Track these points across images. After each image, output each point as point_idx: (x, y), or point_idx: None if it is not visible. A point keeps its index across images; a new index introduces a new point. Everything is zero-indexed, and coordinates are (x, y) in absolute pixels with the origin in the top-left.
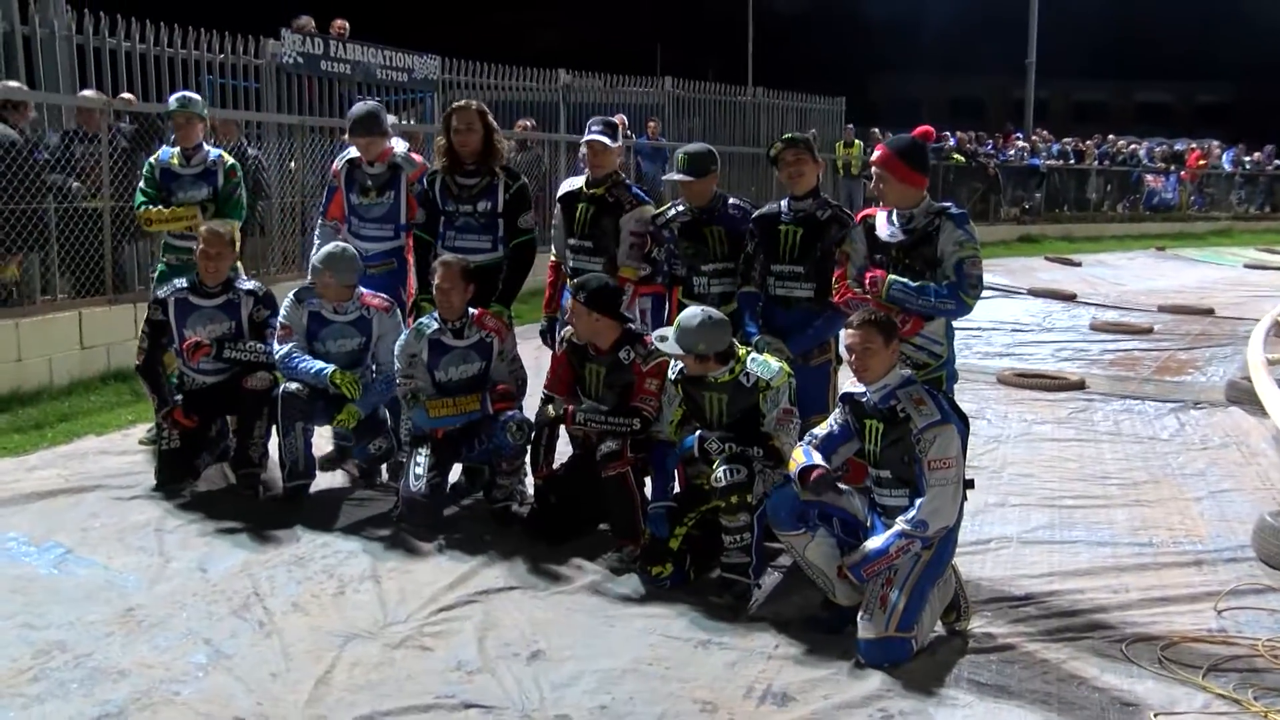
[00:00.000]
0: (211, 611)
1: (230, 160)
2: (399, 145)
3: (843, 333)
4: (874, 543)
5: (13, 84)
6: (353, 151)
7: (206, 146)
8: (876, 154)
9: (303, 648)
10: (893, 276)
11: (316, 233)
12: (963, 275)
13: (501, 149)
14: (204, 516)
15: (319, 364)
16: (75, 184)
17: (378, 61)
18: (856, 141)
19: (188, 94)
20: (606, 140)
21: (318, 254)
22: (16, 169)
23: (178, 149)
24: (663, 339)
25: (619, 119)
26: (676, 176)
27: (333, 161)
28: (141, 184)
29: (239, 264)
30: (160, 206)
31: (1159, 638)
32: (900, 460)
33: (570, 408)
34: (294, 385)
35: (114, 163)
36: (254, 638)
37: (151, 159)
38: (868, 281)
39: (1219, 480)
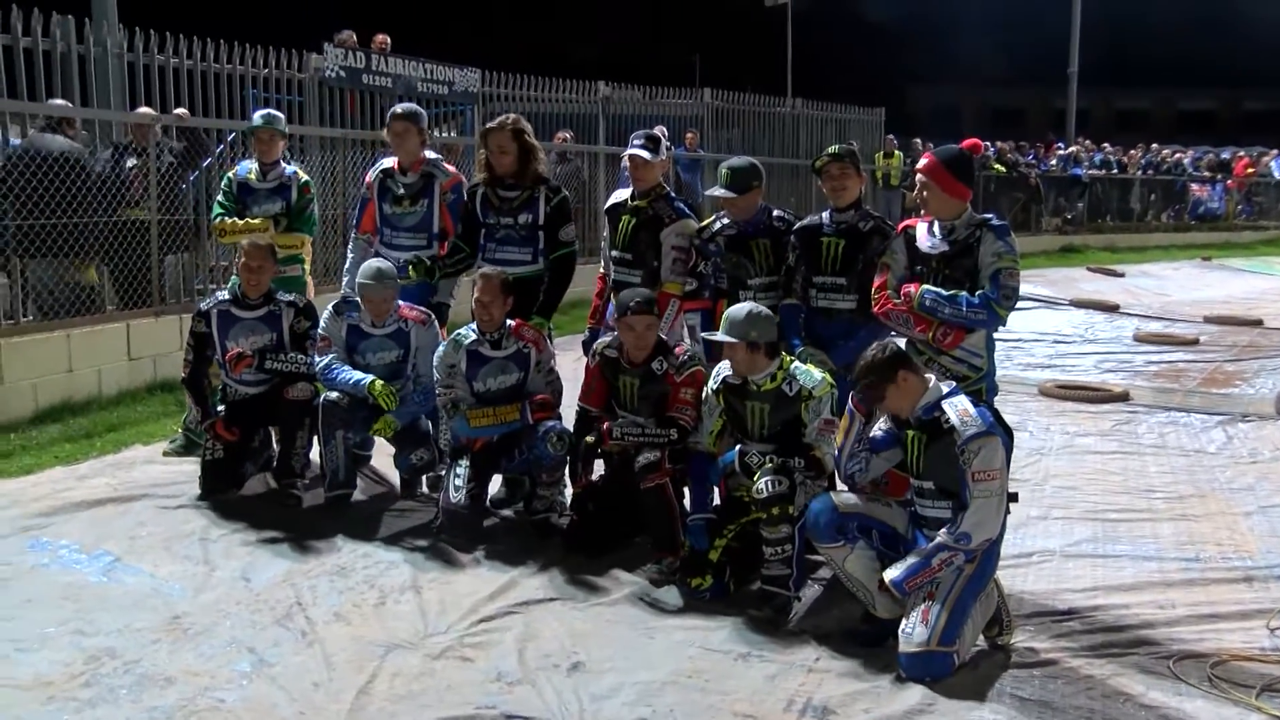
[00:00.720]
0: (255, 620)
1: (305, 177)
2: (430, 156)
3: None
4: (916, 556)
5: (58, 101)
6: (386, 162)
7: (283, 163)
8: (923, 162)
9: (344, 657)
10: (925, 286)
11: (350, 247)
12: (998, 286)
13: (540, 166)
14: (247, 526)
15: (358, 374)
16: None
17: (418, 75)
18: (897, 152)
19: (272, 111)
20: (647, 155)
21: (362, 273)
22: (82, 182)
23: (255, 164)
24: (711, 336)
25: (660, 130)
26: (719, 192)
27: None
28: (220, 197)
29: (308, 278)
30: (235, 218)
31: (1208, 655)
32: (942, 472)
33: (607, 426)
34: (334, 395)
35: (161, 177)
36: (296, 647)
37: (230, 173)
38: (902, 294)
39: (1269, 495)
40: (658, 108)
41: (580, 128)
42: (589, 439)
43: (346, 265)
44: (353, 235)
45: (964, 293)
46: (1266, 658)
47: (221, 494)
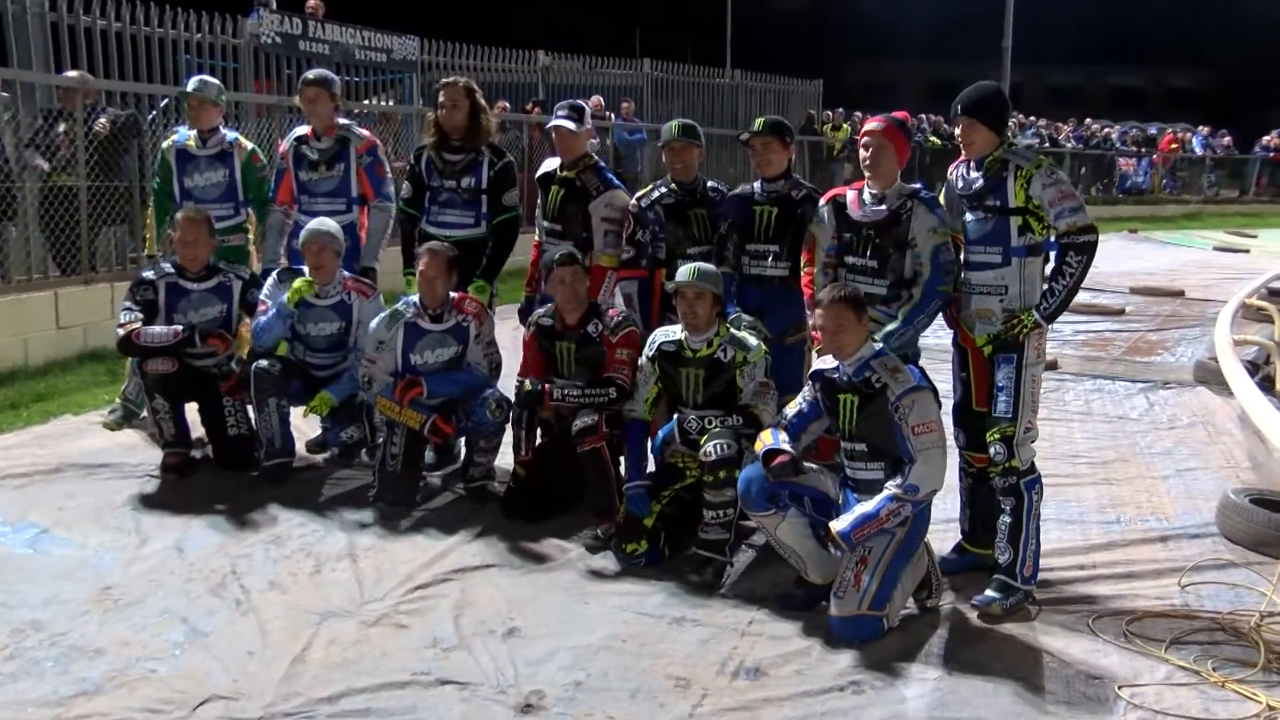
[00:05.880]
0: (188, 590)
1: (249, 144)
2: (343, 121)
3: (812, 313)
4: (865, 506)
5: None
6: (299, 130)
7: (223, 130)
8: (876, 124)
9: (279, 626)
10: (885, 330)
11: (267, 221)
12: (938, 265)
13: (488, 127)
14: (181, 496)
15: (279, 304)
16: (44, 164)
17: (356, 42)
18: (845, 125)
19: (205, 78)
20: (570, 125)
21: (302, 236)
22: None
23: (194, 131)
24: (683, 281)
25: (594, 101)
26: (674, 140)
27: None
28: (156, 168)
29: (251, 247)
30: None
31: (1125, 612)
32: (876, 432)
33: (546, 387)
34: (264, 362)
35: (101, 144)
36: (231, 616)
37: (165, 144)
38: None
39: (1186, 459)
40: (597, 78)
41: (520, 97)
42: (527, 384)
43: (263, 241)
44: (268, 208)
45: (906, 308)
46: (1176, 612)
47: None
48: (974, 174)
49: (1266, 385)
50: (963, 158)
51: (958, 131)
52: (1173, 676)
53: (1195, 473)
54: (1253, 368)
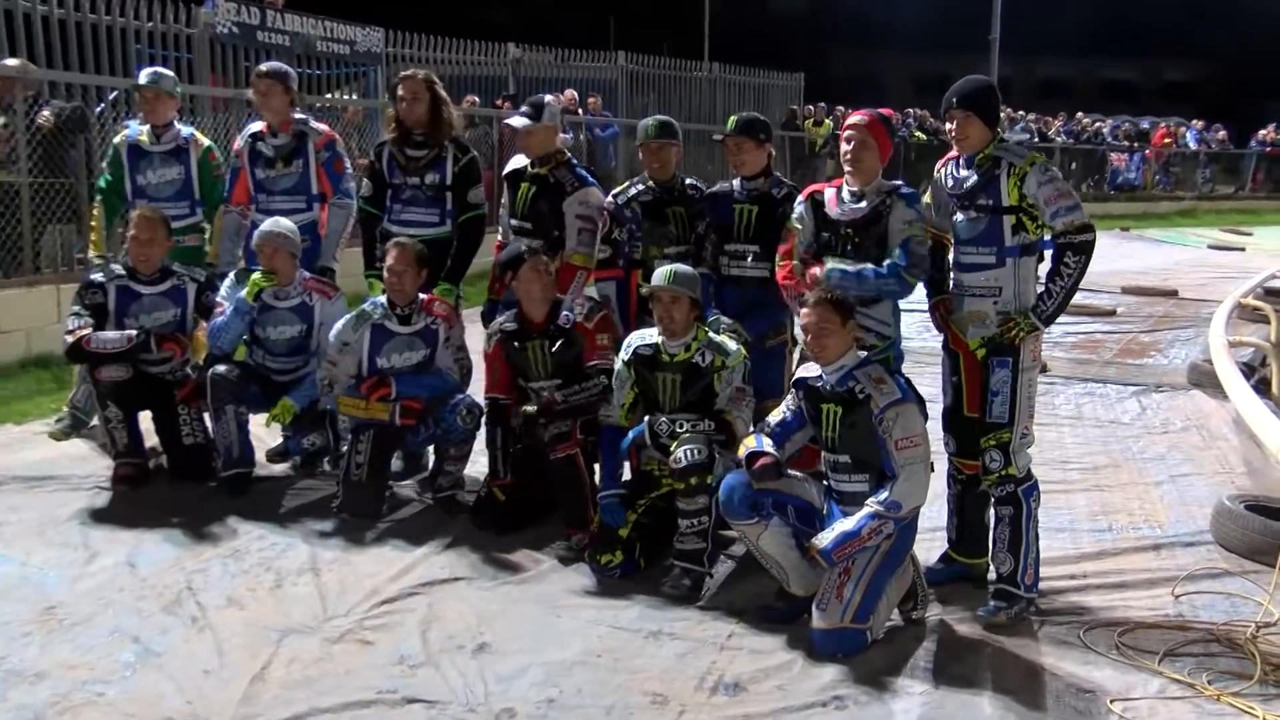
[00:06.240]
0: (140, 608)
1: (206, 141)
2: (299, 116)
3: (798, 313)
4: (846, 524)
5: None
6: (253, 126)
7: (178, 124)
8: (859, 118)
9: (237, 644)
10: (830, 265)
11: (222, 222)
12: (908, 254)
13: (451, 121)
14: (134, 509)
15: (236, 301)
16: None
17: (318, 33)
18: (826, 120)
19: (160, 70)
20: (521, 123)
21: (255, 238)
22: None
23: (147, 126)
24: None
25: (568, 95)
26: (648, 142)
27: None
28: (105, 165)
29: (210, 247)
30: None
31: (1117, 624)
32: (860, 444)
33: (548, 396)
34: (222, 367)
35: (33, 138)
36: (186, 634)
37: (116, 139)
38: (808, 277)
39: (1179, 464)
40: (570, 71)
41: (490, 91)
42: (527, 409)
43: (218, 243)
44: (223, 208)
45: (869, 265)
46: (1170, 623)
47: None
48: (965, 171)
49: (1262, 388)
50: (951, 155)
51: (950, 126)
52: (1166, 690)
53: (1189, 479)
54: (1248, 370)
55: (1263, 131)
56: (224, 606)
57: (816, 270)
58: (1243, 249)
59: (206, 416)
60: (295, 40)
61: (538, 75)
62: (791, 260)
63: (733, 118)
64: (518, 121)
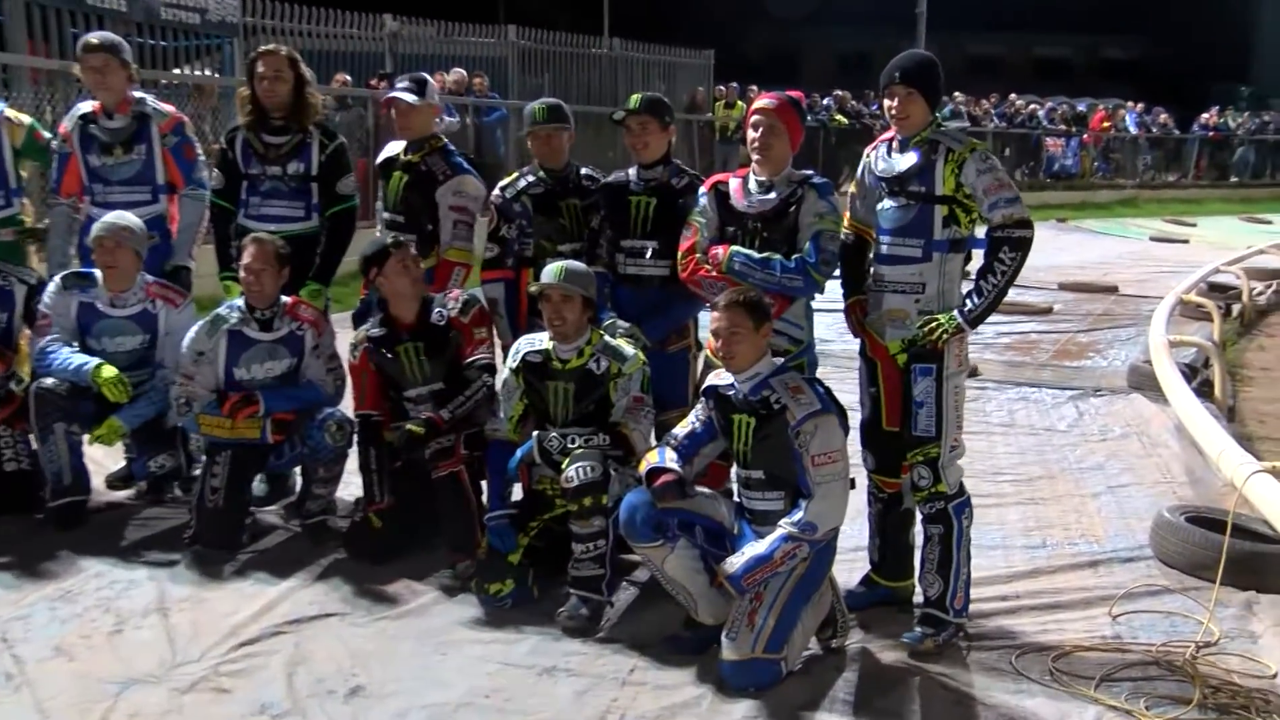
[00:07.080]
0: None
1: (25, 119)
2: (138, 94)
3: (707, 316)
4: (757, 547)
5: None
6: (84, 107)
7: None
8: (768, 102)
9: (64, 701)
10: (735, 248)
11: (49, 215)
12: (817, 249)
13: (315, 103)
14: None
15: (82, 358)
16: None
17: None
18: (739, 102)
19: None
20: (410, 98)
21: (93, 231)
22: None
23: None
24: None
25: (455, 74)
26: (536, 129)
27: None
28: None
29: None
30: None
31: (1050, 648)
32: (774, 459)
33: (434, 416)
34: (49, 381)
35: None
36: None
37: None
38: (710, 256)
39: (1118, 474)
40: (455, 46)
41: (364, 69)
42: (412, 427)
43: (48, 242)
44: (48, 200)
45: (778, 256)
46: (1107, 646)
47: None
48: (896, 155)
49: (1205, 391)
50: (884, 137)
51: (890, 103)
52: (1103, 718)
53: (1128, 489)
54: (1190, 371)
55: (1206, 115)
56: (49, 658)
57: (719, 250)
58: (1186, 241)
59: (31, 438)
60: (134, 6)
61: (418, 51)
62: (695, 256)
63: (635, 96)
64: (408, 96)
